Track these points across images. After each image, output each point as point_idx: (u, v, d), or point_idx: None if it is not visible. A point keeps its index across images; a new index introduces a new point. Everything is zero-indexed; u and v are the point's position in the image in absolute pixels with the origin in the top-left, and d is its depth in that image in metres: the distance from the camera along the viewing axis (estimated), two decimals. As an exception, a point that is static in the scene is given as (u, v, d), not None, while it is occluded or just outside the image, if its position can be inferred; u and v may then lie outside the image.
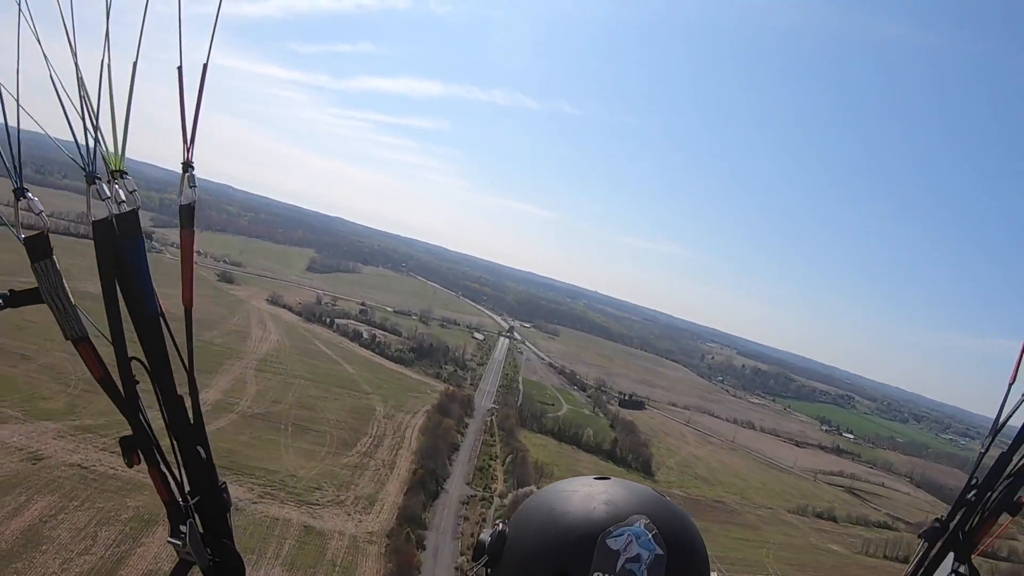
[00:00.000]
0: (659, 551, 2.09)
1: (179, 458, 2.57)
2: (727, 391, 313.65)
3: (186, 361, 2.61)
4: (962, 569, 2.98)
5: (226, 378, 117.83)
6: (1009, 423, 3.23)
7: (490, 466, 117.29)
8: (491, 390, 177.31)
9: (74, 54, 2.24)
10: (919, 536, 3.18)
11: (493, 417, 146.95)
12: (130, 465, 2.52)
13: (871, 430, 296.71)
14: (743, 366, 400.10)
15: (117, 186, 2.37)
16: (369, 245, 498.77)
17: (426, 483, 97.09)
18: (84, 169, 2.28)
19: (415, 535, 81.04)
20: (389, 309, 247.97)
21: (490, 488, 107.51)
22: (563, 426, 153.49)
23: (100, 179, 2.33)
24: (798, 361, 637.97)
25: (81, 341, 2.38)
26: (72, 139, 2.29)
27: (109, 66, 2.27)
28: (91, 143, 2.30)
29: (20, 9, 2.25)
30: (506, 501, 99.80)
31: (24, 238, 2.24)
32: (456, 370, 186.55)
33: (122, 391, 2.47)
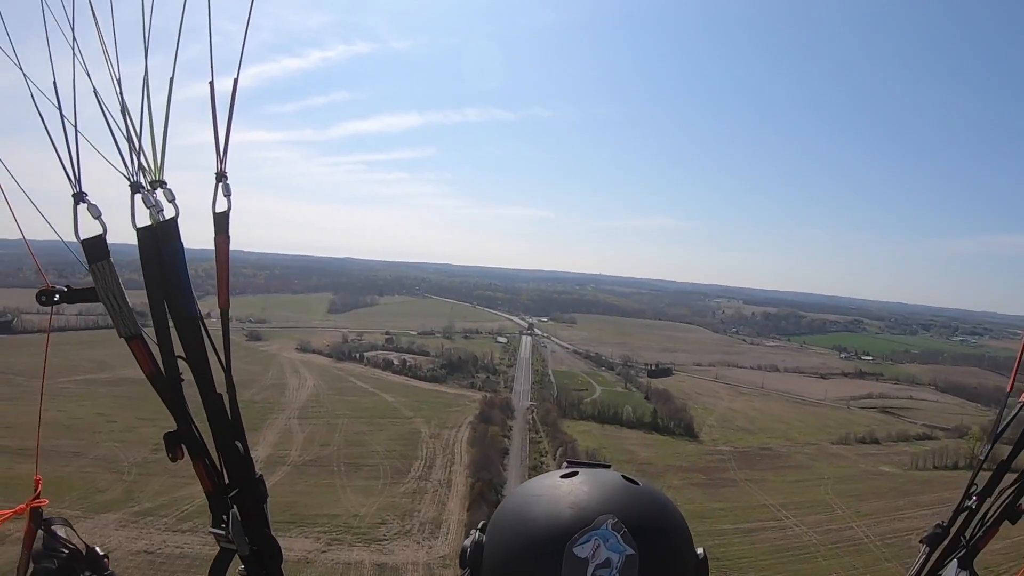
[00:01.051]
0: (629, 551, 1.95)
1: (219, 452, 2.55)
2: (744, 340, 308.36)
3: (223, 360, 2.58)
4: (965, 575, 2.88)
5: (272, 432, 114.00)
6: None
7: (542, 463, 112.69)
8: (525, 388, 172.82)
9: (116, 79, 2.33)
10: (920, 542, 3.05)
11: (533, 414, 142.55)
12: (173, 460, 2.49)
13: (886, 348, 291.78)
14: (753, 314, 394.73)
15: (159, 195, 2.41)
16: (382, 277, 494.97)
17: (485, 494, 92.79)
18: (128, 179, 2.34)
19: (486, 549, 76.82)
20: (413, 333, 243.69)
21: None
22: (602, 408, 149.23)
23: (143, 189, 2.38)
24: (803, 298, 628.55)
25: (134, 339, 2.38)
26: (116, 151, 2.33)
27: (147, 83, 2.34)
28: (133, 155, 2.36)
29: (72, 43, 2.32)
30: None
31: (83, 240, 2.27)
32: (488, 377, 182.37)
33: (169, 388, 2.45)
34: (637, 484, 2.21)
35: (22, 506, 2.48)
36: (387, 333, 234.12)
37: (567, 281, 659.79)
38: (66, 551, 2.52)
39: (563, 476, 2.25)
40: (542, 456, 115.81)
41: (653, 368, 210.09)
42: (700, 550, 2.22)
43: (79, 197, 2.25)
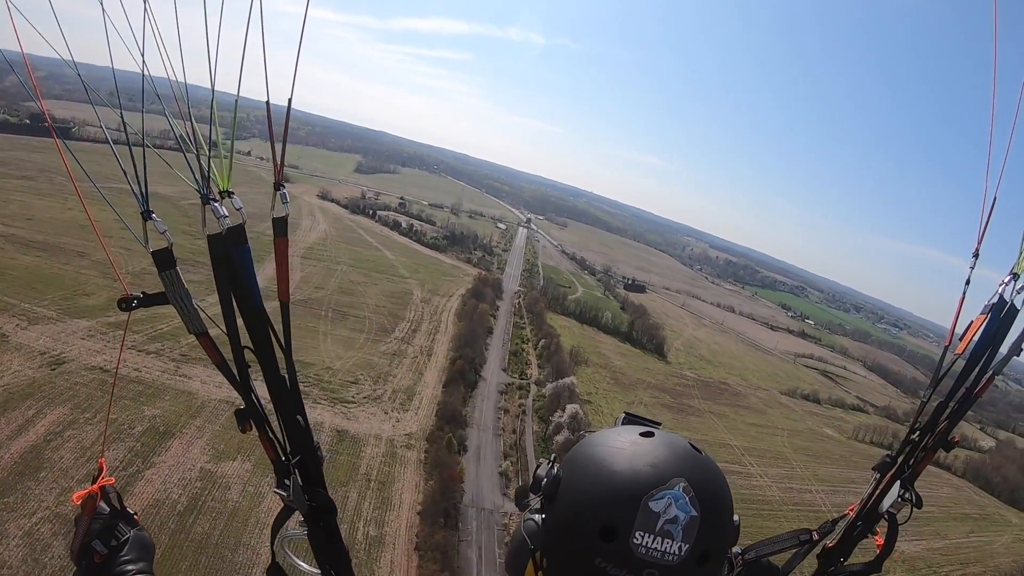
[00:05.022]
0: (694, 513, 1.95)
1: (282, 425, 2.58)
2: (707, 278, 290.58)
3: (285, 347, 2.56)
4: (907, 495, 3.03)
5: (272, 266, 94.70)
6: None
7: (523, 350, 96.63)
8: (515, 273, 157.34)
9: (186, 95, 2.28)
10: (873, 469, 3.18)
11: (521, 300, 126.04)
12: (243, 432, 2.51)
13: (824, 317, 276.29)
14: (716, 257, 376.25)
15: (226, 205, 2.36)
16: (408, 151, 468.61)
17: (465, 373, 76.35)
18: (199, 192, 2.29)
19: (456, 437, 60.28)
20: (424, 203, 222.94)
21: (526, 375, 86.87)
22: (583, 309, 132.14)
23: (213, 200, 2.31)
24: (756, 255, 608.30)
25: (202, 335, 2.35)
26: (188, 168, 2.26)
27: (215, 102, 2.27)
28: (204, 170, 2.30)
29: (144, 68, 2.23)
30: (545, 391, 79.36)
31: (153, 251, 2.23)
32: (484, 255, 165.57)
33: (236, 375, 2.44)
34: (701, 453, 2.15)
35: (95, 486, 2.61)
36: (401, 198, 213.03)
37: (563, 190, 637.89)
38: (108, 510, 2.67)
39: (642, 435, 2.17)
40: (524, 343, 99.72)
41: (630, 282, 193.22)
42: (736, 517, 2.18)
43: (146, 215, 2.20)
